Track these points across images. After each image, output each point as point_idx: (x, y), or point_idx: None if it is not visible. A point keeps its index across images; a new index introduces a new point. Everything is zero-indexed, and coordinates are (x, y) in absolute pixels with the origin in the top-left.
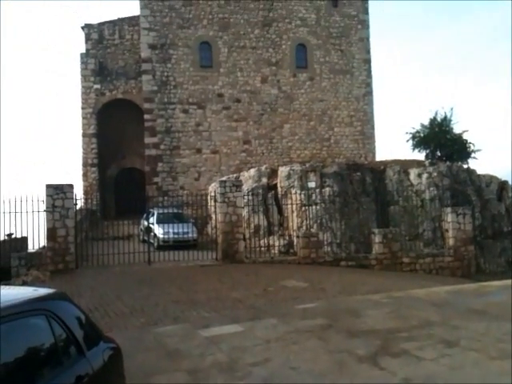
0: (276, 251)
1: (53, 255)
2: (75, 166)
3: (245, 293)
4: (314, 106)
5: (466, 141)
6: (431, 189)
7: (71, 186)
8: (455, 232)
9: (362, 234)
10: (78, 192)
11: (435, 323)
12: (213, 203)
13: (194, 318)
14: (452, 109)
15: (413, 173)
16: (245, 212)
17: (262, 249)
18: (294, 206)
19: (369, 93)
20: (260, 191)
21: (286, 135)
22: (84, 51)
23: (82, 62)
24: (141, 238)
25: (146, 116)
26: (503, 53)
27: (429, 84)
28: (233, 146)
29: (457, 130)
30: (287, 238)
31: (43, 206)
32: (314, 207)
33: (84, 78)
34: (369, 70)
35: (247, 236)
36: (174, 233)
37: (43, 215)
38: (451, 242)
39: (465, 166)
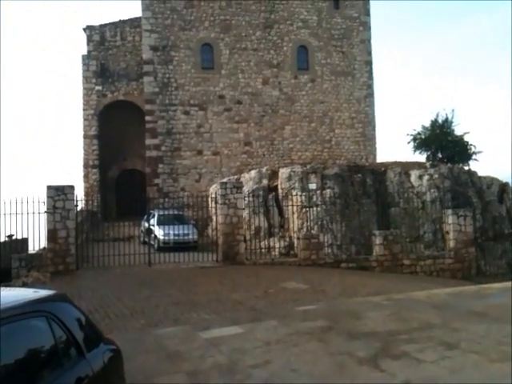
0: (276, 253)
1: (53, 256)
2: (76, 167)
3: (245, 294)
4: (315, 108)
5: (467, 143)
6: (432, 190)
7: (72, 188)
8: (456, 234)
9: (362, 236)
10: (79, 193)
11: (436, 325)
12: (213, 205)
13: (194, 319)
14: (453, 110)
15: (414, 174)
16: (245, 213)
17: (263, 250)
18: (295, 208)
19: (370, 94)
20: (261, 193)
21: (287, 137)
22: (85, 53)
23: (84, 64)
24: (141, 239)
25: (147, 117)
26: (503, 54)
27: (430, 85)
28: (234, 147)
29: (458, 131)
30: (288, 239)
31: (44, 208)
32: (314, 209)
33: (85, 79)
34: (370, 72)
35: (248, 238)
36: (174, 234)
37: (44, 216)
38: (452, 243)
39: (466, 168)
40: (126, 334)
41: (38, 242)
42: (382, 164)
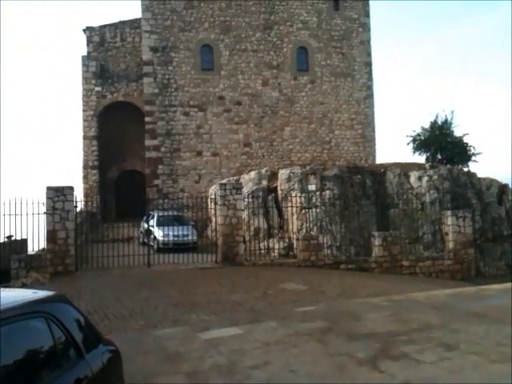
0: (276, 254)
1: (52, 257)
2: (76, 168)
3: (244, 296)
4: (314, 109)
5: (467, 144)
6: (431, 192)
7: (71, 189)
8: (455, 235)
9: (361, 237)
10: (79, 194)
11: (435, 326)
12: (213, 206)
13: (193, 320)
14: (453, 112)
15: (413, 176)
16: (245, 215)
17: (262, 251)
18: (294, 209)
19: (369, 96)
20: (260, 194)
21: (287, 138)
22: (85, 54)
23: (84, 65)
24: (141, 240)
25: (147, 118)
26: (503, 54)
27: (429, 86)
28: (233, 148)
29: (457, 133)
30: (287, 240)
31: (43, 209)
32: (314, 210)
33: (85, 80)
34: (370, 73)
35: (247, 239)
36: (173, 235)
37: (43, 217)
38: (451, 245)
39: (465, 169)
40: (125, 334)
41: (37, 242)
42: (381, 165)
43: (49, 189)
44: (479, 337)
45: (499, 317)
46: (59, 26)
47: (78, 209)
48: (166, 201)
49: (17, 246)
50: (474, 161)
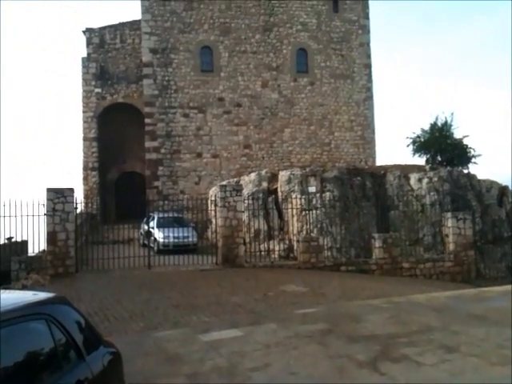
0: (276, 256)
1: (53, 259)
2: (76, 169)
3: (245, 297)
4: (314, 111)
5: (467, 146)
6: (431, 194)
7: (72, 190)
8: (455, 237)
9: (362, 239)
10: (79, 196)
11: (435, 328)
12: (213, 207)
13: (193, 322)
14: (452, 114)
15: (413, 178)
16: (245, 216)
17: (262, 253)
18: (295, 211)
19: (369, 97)
20: (260, 195)
21: (287, 139)
22: (85, 55)
23: (84, 66)
24: (141, 242)
25: (147, 120)
26: (503, 56)
27: (429, 88)
28: (233, 150)
29: (457, 134)
30: (287, 242)
31: (43, 210)
32: (314, 212)
33: (85, 81)
34: (369, 75)
35: (247, 240)
36: (174, 237)
37: (43, 219)
38: (451, 247)
39: (465, 171)
40: (125, 336)
41: (37, 244)
42: (381, 167)
43: (49, 190)
44: (480, 339)
45: (500, 319)
46: (59, 26)
47: (78, 210)
48: (166, 202)
49: (17, 248)
50: (474, 163)
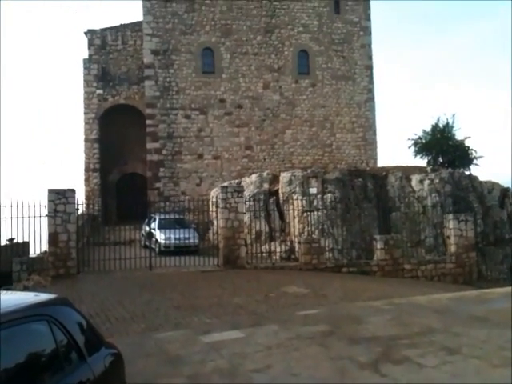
0: (277, 257)
1: (54, 260)
2: (77, 170)
3: (246, 299)
4: (315, 112)
5: (468, 147)
6: (433, 195)
7: (73, 191)
8: (457, 239)
9: (363, 241)
10: (80, 197)
11: (437, 330)
12: (214, 209)
13: (195, 323)
14: (454, 115)
15: (414, 179)
16: (246, 218)
17: (264, 255)
18: (296, 212)
19: (370, 99)
20: (261, 197)
21: (288, 141)
22: (87, 56)
23: (85, 68)
24: (142, 243)
25: (148, 121)
26: (503, 56)
27: (430, 89)
28: (234, 151)
29: (459, 136)
30: (288, 243)
31: (45, 211)
32: (315, 213)
33: (87, 83)
34: (370, 76)
35: (248, 242)
36: (175, 238)
37: (45, 220)
38: (453, 248)
39: (467, 173)
40: (126, 337)
41: (39, 245)
42: (382, 168)
43: (50, 191)
44: (481, 341)
45: (501, 321)
46: (59, 26)
47: (80, 211)
48: (167, 204)
49: (18, 249)
50: (476, 164)
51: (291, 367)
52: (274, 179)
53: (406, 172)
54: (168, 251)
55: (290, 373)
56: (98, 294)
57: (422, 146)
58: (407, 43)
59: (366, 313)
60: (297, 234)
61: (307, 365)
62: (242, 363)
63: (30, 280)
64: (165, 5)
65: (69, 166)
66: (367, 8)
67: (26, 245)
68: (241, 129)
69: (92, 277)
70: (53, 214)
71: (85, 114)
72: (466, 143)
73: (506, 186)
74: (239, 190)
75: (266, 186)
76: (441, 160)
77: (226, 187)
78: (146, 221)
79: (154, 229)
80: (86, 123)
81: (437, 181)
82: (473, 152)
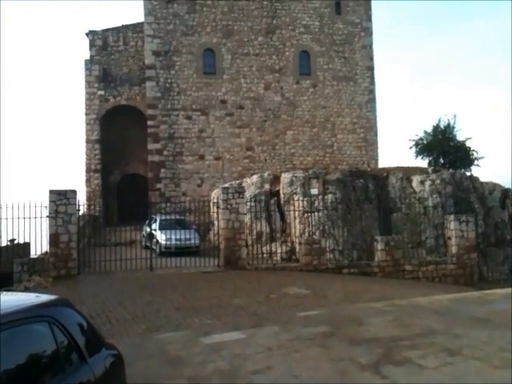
0: (278, 258)
1: (55, 261)
2: (78, 171)
3: (247, 300)
4: (316, 113)
5: (469, 148)
6: (434, 196)
7: (74, 192)
8: (458, 240)
9: (364, 241)
10: (81, 198)
11: (438, 331)
12: (215, 209)
13: (195, 324)
14: (455, 116)
15: (416, 180)
16: (247, 218)
17: (265, 255)
18: (297, 213)
19: (372, 100)
20: (262, 198)
21: (289, 142)
22: (88, 57)
23: (86, 69)
24: (143, 244)
25: (150, 122)
26: (503, 57)
27: (431, 90)
28: (236, 152)
29: (460, 137)
30: (289, 244)
31: (46, 212)
32: (316, 214)
33: (88, 84)
34: (372, 77)
35: (249, 242)
36: (176, 239)
37: (46, 221)
38: (454, 249)
39: (468, 174)
40: (127, 338)
41: (39, 246)
42: (383, 169)
43: (51, 192)
44: (482, 342)
45: (502, 322)
46: (60, 27)
47: (81, 212)
48: (168, 204)
49: (19, 250)
50: (477, 165)
51: (292, 368)
52: (275, 180)
53: (407, 173)
54: (169, 252)
55: (291, 374)
56: (99, 294)
57: (423, 147)
58: (407, 43)
59: (367, 314)
60: (298, 234)
61: (308, 366)
62: (243, 364)
63: (31, 281)
64: (166, 6)
65: (70, 166)
66: (368, 9)
67: (26, 246)
68: (242, 130)
69: (93, 278)
70: (54, 215)
71: (86, 114)
72: (468, 144)
73: (506, 186)
74: (240, 191)
75: (267, 186)
76: (442, 161)
77: (227, 188)
78: (147, 222)
79: (155, 230)
80: (87, 124)
81: (438, 182)
82: (474, 153)
